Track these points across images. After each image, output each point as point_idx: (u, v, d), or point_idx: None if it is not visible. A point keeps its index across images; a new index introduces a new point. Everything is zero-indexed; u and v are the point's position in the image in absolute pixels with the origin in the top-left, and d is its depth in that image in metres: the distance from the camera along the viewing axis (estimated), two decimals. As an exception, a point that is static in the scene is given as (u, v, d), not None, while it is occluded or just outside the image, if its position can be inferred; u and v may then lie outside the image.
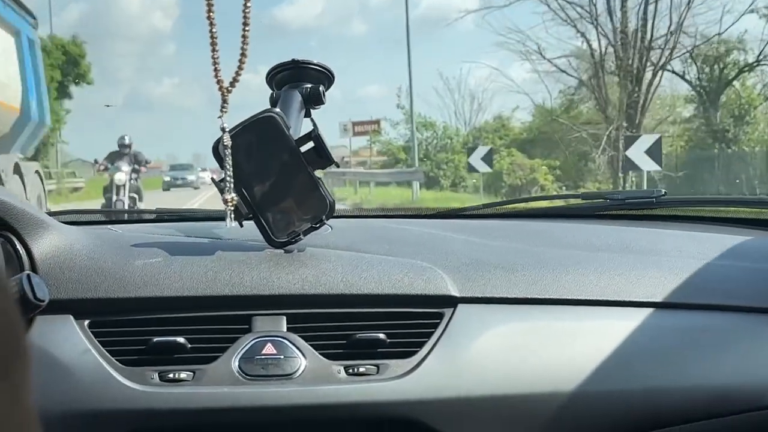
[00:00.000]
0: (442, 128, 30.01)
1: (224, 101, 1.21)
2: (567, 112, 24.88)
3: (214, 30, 1.14)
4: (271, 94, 1.44)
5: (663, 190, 1.84)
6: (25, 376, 0.31)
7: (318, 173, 1.31)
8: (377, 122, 31.20)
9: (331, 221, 1.38)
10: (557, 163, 24.28)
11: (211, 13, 1.13)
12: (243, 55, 1.19)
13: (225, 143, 1.23)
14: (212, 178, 1.30)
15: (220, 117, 1.23)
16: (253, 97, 1.30)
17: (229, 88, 1.20)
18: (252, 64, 1.25)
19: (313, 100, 1.42)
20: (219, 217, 1.73)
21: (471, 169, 18.44)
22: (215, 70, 1.19)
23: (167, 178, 39.21)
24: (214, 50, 1.17)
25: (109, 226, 1.60)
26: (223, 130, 1.23)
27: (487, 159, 17.55)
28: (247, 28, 1.17)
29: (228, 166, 1.24)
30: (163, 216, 1.91)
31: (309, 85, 1.42)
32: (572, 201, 2.10)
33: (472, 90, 35.69)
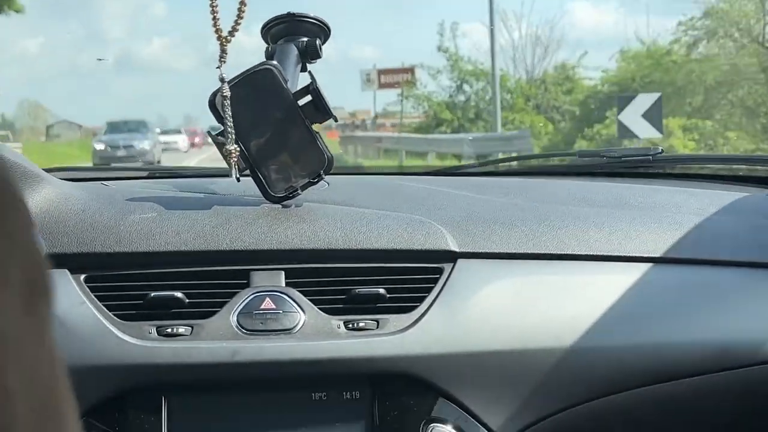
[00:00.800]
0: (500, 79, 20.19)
1: (223, 51, 1.19)
2: (688, 54, 17.81)
3: None
4: (267, 48, 1.42)
5: (660, 148, 1.83)
6: (49, 311, 0.31)
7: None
8: (410, 70, 24.52)
9: (328, 178, 1.37)
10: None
11: None
12: (242, 3, 1.17)
13: (224, 94, 1.22)
14: (208, 132, 1.29)
15: (218, 67, 1.21)
16: (248, 58, 1.28)
17: (228, 38, 1.18)
18: (245, 24, 1.23)
19: (310, 54, 1.40)
20: (214, 174, 1.72)
21: (623, 133, 11.15)
22: (214, 19, 1.16)
23: (100, 146, 23.04)
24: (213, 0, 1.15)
25: (103, 182, 1.58)
26: (222, 80, 1.21)
27: (654, 116, 10.77)
28: None
29: (228, 117, 1.22)
30: (156, 173, 1.89)
31: (305, 39, 1.40)
32: (569, 159, 2.09)
33: (537, 29, 23.68)
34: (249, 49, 1.26)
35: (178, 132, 32.67)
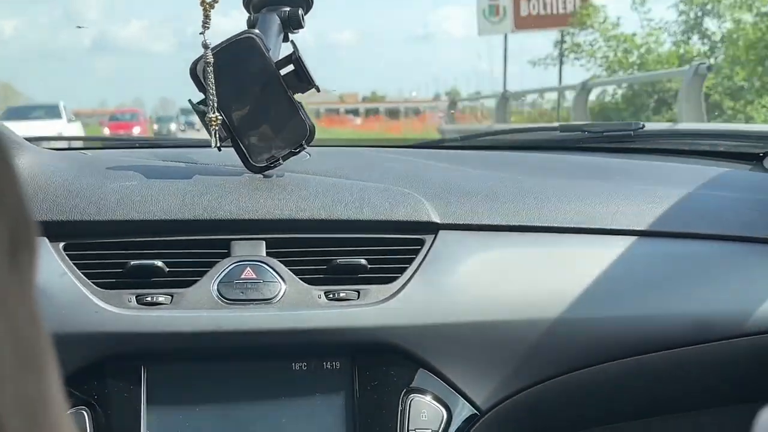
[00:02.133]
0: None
1: (206, 17, 1.18)
2: None
3: None
4: (249, 18, 1.40)
5: (642, 123, 1.83)
6: (33, 268, 0.31)
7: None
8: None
9: (310, 149, 1.36)
10: None
11: None
12: None
13: (207, 60, 1.20)
14: (189, 100, 1.27)
15: (201, 33, 1.19)
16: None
17: (212, 3, 1.17)
18: (222, 7, 1.21)
19: (292, 24, 1.38)
20: (196, 144, 1.71)
21: None
22: None
23: None
24: None
25: (83, 152, 1.57)
26: (205, 46, 1.20)
27: None
28: None
29: (210, 85, 1.21)
30: (136, 143, 1.87)
31: (287, 9, 1.38)
32: (550, 133, 2.08)
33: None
34: (225, 34, 1.24)
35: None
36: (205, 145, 1.50)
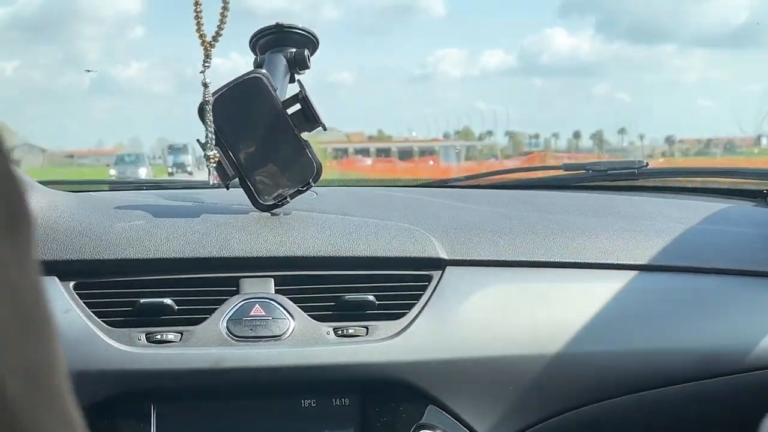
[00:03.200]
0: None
1: (207, 56, 1.20)
2: None
3: None
4: (255, 59, 1.42)
5: (645, 162, 1.84)
6: (30, 239, 0.31)
7: None
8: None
9: (316, 188, 1.37)
10: None
11: None
12: (225, 8, 1.18)
13: (206, 99, 1.22)
14: (198, 140, 1.29)
15: (202, 72, 1.21)
16: (224, 81, 1.28)
17: (212, 42, 1.19)
18: (222, 50, 1.23)
19: (298, 64, 1.40)
20: (203, 186, 1.72)
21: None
22: (198, 24, 1.17)
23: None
24: (197, 3, 1.15)
25: (91, 193, 1.58)
26: (204, 85, 1.22)
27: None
28: None
29: (209, 123, 1.23)
30: (144, 185, 1.89)
31: (293, 50, 1.41)
32: (554, 172, 2.09)
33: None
34: (225, 75, 1.25)
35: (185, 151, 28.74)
36: (213, 186, 1.52)
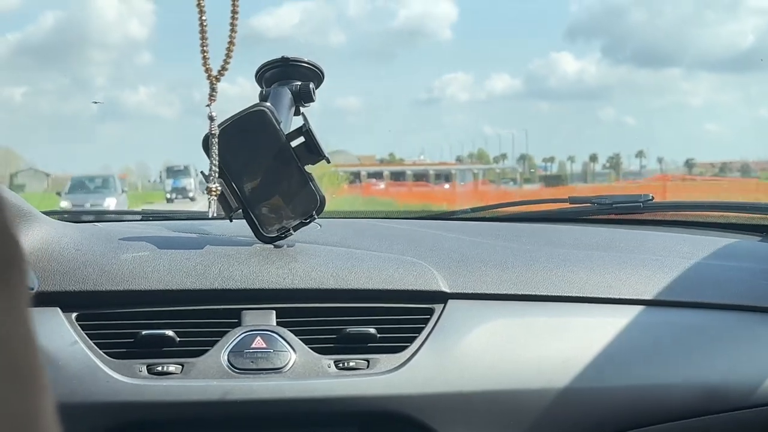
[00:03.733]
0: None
1: (213, 89, 1.20)
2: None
3: (203, 18, 1.14)
4: (261, 92, 1.43)
5: (651, 195, 1.84)
6: (23, 286, 0.31)
7: None
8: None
9: (320, 220, 1.38)
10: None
11: (201, 1, 1.13)
12: (231, 43, 1.19)
13: (212, 131, 1.23)
14: (201, 172, 1.30)
15: (208, 105, 1.22)
16: (232, 107, 1.29)
17: (218, 76, 1.20)
18: (229, 74, 1.24)
19: (303, 98, 1.41)
20: (206, 217, 1.72)
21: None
22: (204, 57, 1.18)
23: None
24: (203, 38, 1.17)
25: (95, 224, 1.58)
26: (210, 118, 1.23)
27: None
28: (236, 17, 1.17)
29: (214, 155, 1.23)
30: (149, 216, 1.89)
31: (299, 83, 1.42)
32: (560, 205, 2.09)
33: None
34: (234, 99, 1.26)
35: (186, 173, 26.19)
36: (216, 217, 1.52)
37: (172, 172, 27.36)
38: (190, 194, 24.66)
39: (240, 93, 1.35)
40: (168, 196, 25.32)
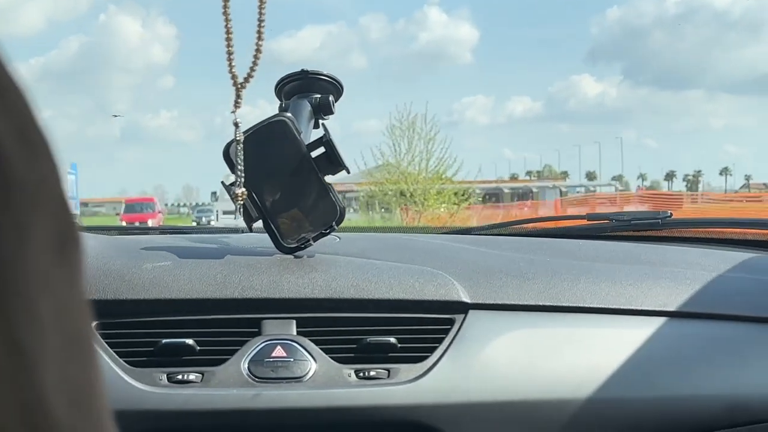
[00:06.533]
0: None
1: (238, 96, 1.21)
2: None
3: (229, 25, 1.15)
4: (280, 105, 1.44)
5: (669, 212, 1.84)
6: (80, 258, 0.32)
7: None
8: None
9: (339, 233, 1.38)
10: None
11: (227, 8, 1.14)
12: (258, 51, 1.19)
13: (237, 138, 1.23)
14: (222, 182, 1.30)
15: (233, 112, 1.22)
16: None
17: (244, 84, 1.20)
18: (250, 97, 1.25)
19: (323, 110, 1.42)
20: (226, 230, 1.73)
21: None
22: (230, 65, 1.18)
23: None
24: (228, 45, 1.17)
25: (116, 236, 1.59)
26: (236, 125, 1.23)
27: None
28: (262, 24, 1.17)
29: (239, 162, 1.24)
30: (168, 230, 1.90)
31: (318, 96, 1.42)
32: (577, 222, 2.09)
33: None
34: (253, 121, 1.27)
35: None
36: (236, 230, 1.52)
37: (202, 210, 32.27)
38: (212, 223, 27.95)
39: (261, 116, 1.36)
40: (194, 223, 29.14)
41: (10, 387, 0.27)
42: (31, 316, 0.28)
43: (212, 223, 27.28)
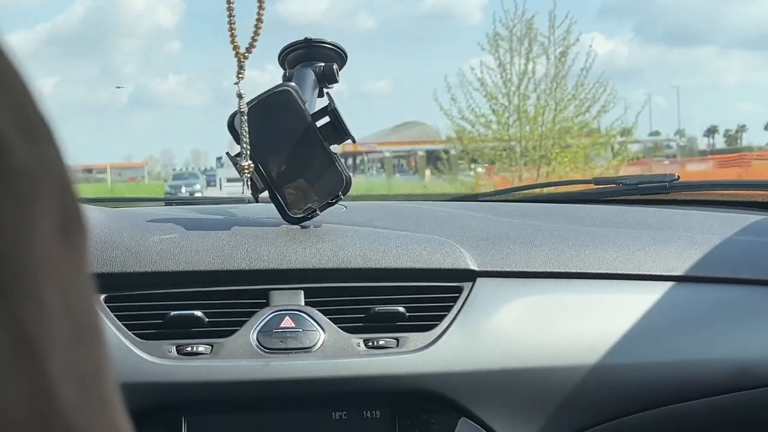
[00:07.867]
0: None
1: (241, 67, 1.20)
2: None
3: None
4: (284, 73, 1.43)
5: (676, 175, 1.83)
6: (85, 240, 0.31)
7: None
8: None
9: (346, 202, 1.37)
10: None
11: None
12: (259, 20, 1.18)
13: (241, 110, 1.22)
14: (227, 153, 1.29)
15: (236, 83, 1.21)
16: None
17: (246, 54, 1.19)
18: (258, 61, 1.23)
19: (327, 79, 1.41)
20: (231, 200, 1.73)
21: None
22: (231, 35, 1.17)
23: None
24: (230, 15, 1.16)
25: (122, 208, 1.59)
26: (239, 96, 1.22)
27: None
28: None
29: (244, 134, 1.23)
30: (173, 202, 1.90)
31: (322, 64, 1.41)
32: (584, 186, 2.08)
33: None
34: (262, 86, 1.26)
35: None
36: (242, 200, 1.52)
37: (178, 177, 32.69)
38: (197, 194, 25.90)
39: (270, 79, 1.35)
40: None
41: (18, 375, 0.27)
42: (38, 302, 0.27)
43: (197, 194, 23.80)
